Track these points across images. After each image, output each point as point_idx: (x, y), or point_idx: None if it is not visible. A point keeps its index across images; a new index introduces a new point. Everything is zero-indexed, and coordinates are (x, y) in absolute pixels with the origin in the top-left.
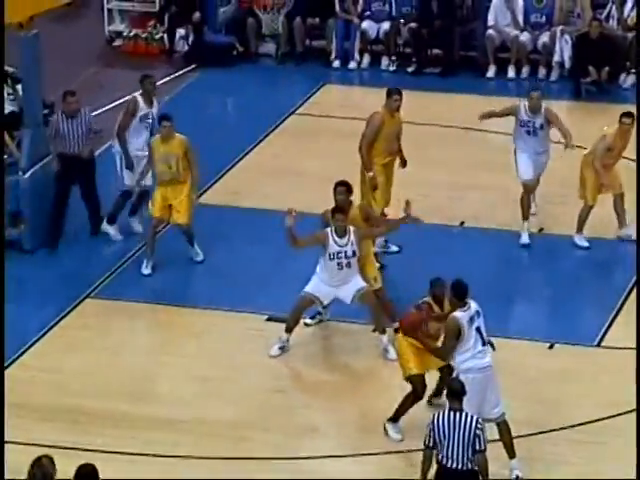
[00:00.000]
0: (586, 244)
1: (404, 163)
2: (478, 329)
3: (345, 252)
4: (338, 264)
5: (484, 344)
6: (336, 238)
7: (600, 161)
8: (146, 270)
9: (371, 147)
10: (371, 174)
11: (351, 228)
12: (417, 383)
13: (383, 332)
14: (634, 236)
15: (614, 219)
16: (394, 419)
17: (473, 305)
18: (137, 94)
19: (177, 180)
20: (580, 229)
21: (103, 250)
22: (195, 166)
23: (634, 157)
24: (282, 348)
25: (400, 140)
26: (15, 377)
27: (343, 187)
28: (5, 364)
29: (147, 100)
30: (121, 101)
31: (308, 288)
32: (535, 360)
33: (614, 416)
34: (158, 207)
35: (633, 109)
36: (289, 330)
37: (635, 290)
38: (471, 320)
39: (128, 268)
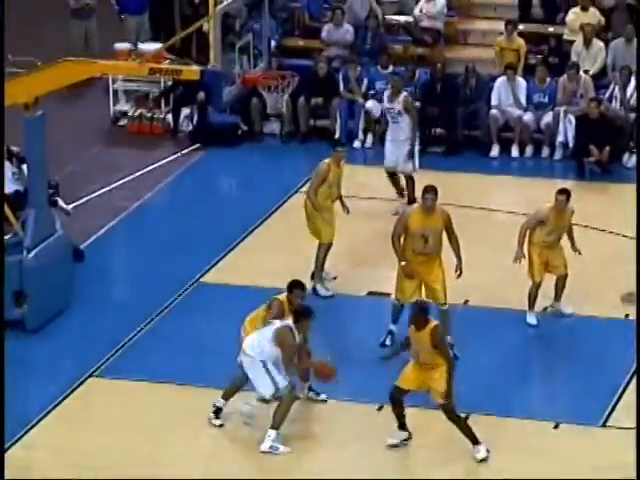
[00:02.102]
0: (535, 322)
1: (345, 208)
2: None
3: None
4: None
5: None
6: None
7: (536, 234)
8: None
9: (316, 193)
10: (403, 263)
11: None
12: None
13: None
14: (567, 312)
15: (606, 300)
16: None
17: None
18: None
19: None
20: (531, 307)
21: (107, 328)
22: None
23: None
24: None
25: (340, 188)
26: (17, 457)
27: (301, 291)
28: (8, 443)
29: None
30: (125, 180)
31: (280, 384)
32: (539, 439)
33: None
34: None
35: (635, 189)
36: (278, 427)
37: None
38: None
39: (133, 346)
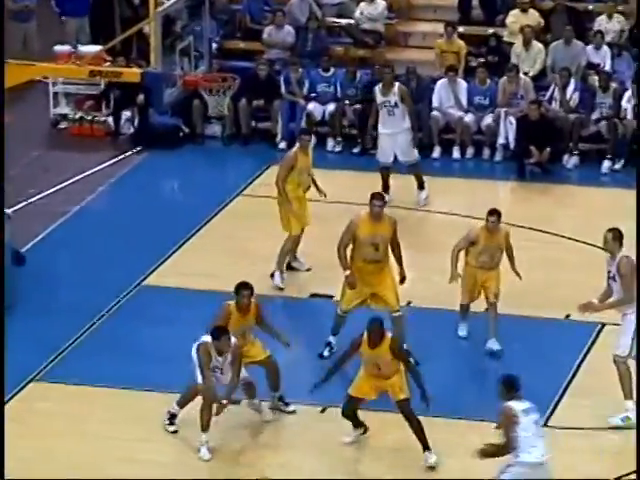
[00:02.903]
0: (465, 334)
1: (322, 193)
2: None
3: (221, 369)
4: (215, 377)
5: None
6: (217, 356)
7: (469, 255)
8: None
9: (285, 181)
10: (347, 272)
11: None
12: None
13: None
14: (495, 348)
15: (547, 301)
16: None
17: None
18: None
19: None
20: (461, 319)
21: (48, 332)
22: None
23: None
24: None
25: (311, 175)
26: None
27: (247, 290)
28: None
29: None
30: (66, 183)
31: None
32: (479, 440)
33: None
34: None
35: (576, 190)
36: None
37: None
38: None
39: (74, 350)
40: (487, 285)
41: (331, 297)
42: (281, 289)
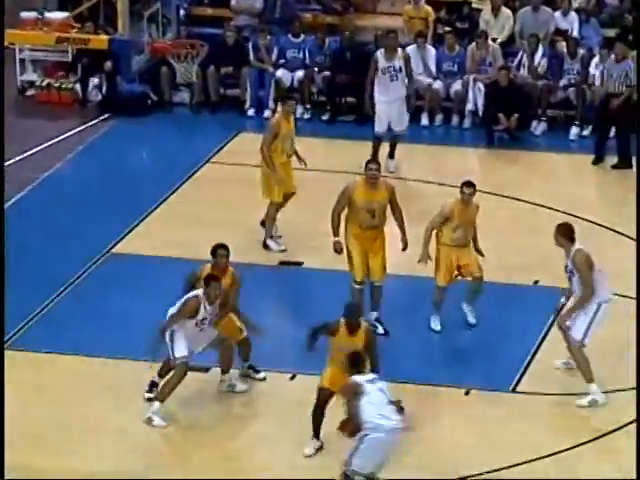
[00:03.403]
0: (438, 328)
1: (302, 161)
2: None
3: (209, 319)
4: (201, 329)
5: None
6: (207, 305)
7: (443, 233)
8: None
9: (269, 147)
10: (336, 239)
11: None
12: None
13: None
14: (471, 321)
15: (516, 267)
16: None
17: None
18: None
19: None
20: (436, 310)
21: (18, 300)
22: None
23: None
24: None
25: (294, 142)
26: None
27: (224, 250)
28: None
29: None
30: (34, 151)
31: (177, 354)
32: (451, 406)
33: (530, 461)
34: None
35: (544, 156)
36: (163, 400)
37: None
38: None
39: (43, 318)
40: (465, 263)
41: (300, 264)
42: (283, 251)
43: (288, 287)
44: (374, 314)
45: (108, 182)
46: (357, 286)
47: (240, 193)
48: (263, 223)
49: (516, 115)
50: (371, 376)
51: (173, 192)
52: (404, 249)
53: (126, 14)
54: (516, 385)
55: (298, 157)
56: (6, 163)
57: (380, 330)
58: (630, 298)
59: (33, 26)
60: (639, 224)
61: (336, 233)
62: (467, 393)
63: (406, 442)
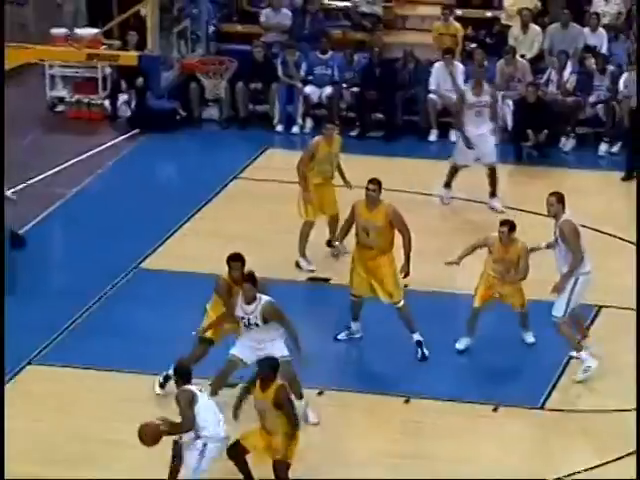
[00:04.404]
0: (462, 347)
1: (348, 184)
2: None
3: (249, 319)
4: (249, 329)
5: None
6: (243, 304)
7: (486, 261)
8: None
9: (306, 167)
10: (337, 244)
11: (262, 298)
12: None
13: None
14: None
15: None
16: None
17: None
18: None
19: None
20: (468, 333)
21: (46, 315)
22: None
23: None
24: None
25: (334, 166)
26: None
27: (238, 262)
28: None
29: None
30: (64, 166)
31: (231, 350)
32: (479, 422)
33: (559, 479)
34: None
35: (573, 173)
36: (215, 393)
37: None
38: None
39: (71, 333)
40: (506, 294)
41: (328, 280)
42: (312, 271)
43: (316, 303)
44: (413, 336)
45: (137, 197)
46: (353, 298)
47: (269, 209)
48: (329, 243)
49: (545, 131)
50: (199, 386)
51: (201, 208)
52: (404, 276)
53: (156, 30)
54: (545, 400)
55: (343, 179)
56: (36, 178)
57: (418, 354)
58: None
59: (63, 43)
60: (639, 225)
61: (340, 241)
62: (495, 409)
63: (435, 458)
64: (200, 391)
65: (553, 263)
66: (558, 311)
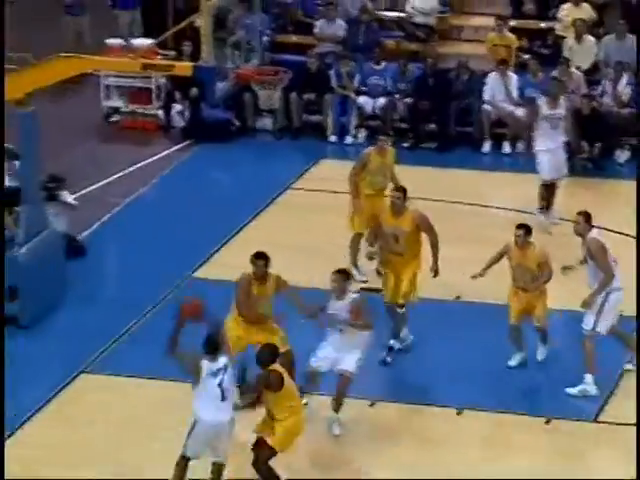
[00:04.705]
0: (514, 364)
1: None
2: (220, 384)
3: (339, 316)
4: (338, 330)
5: (223, 400)
6: (333, 301)
7: (511, 275)
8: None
9: (357, 177)
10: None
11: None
12: None
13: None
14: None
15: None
16: None
17: (222, 359)
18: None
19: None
20: (516, 349)
21: (100, 323)
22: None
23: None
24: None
25: (387, 177)
26: (9, 454)
27: (262, 260)
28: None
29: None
30: (118, 175)
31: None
32: (532, 436)
33: None
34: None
35: (627, 184)
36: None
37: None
38: (215, 374)
39: (125, 341)
40: (532, 307)
41: (380, 291)
42: (365, 281)
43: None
44: (391, 341)
45: (190, 207)
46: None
47: (321, 219)
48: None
49: (600, 143)
50: (219, 366)
51: (254, 217)
52: (434, 276)
53: (210, 41)
54: (598, 413)
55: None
56: (91, 187)
57: (384, 357)
58: None
59: (118, 53)
60: (639, 225)
61: (371, 245)
62: (548, 422)
63: (485, 472)
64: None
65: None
66: (587, 325)
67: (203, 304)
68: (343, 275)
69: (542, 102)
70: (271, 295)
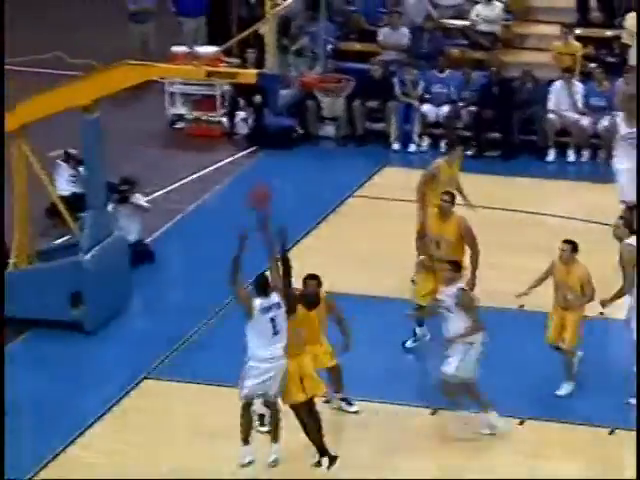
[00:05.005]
0: (563, 393)
1: (469, 203)
2: (273, 319)
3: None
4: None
5: (275, 334)
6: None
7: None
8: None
9: (426, 186)
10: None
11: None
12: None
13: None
14: None
15: None
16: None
17: (274, 296)
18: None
19: None
20: (567, 377)
21: (163, 329)
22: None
23: None
24: None
25: (456, 188)
26: (74, 458)
27: (314, 281)
28: (64, 444)
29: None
30: (182, 182)
31: None
32: (559, 440)
33: None
34: None
35: None
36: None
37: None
38: (268, 309)
39: (188, 348)
40: (565, 326)
41: None
42: None
43: (432, 323)
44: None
45: (253, 214)
46: (417, 306)
47: (384, 227)
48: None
49: None
50: (270, 303)
51: (317, 225)
52: (471, 289)
53: (274, 49)
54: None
55: (464, 199)
56: (156, 194)
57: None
58: None
59: (183, 60)
60: (639, 224)
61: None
62: (612, 432)
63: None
64: None
65: None
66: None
67: (270, 191)
68: (455, 266)
69: (619, 120)
70: (323, 318)
